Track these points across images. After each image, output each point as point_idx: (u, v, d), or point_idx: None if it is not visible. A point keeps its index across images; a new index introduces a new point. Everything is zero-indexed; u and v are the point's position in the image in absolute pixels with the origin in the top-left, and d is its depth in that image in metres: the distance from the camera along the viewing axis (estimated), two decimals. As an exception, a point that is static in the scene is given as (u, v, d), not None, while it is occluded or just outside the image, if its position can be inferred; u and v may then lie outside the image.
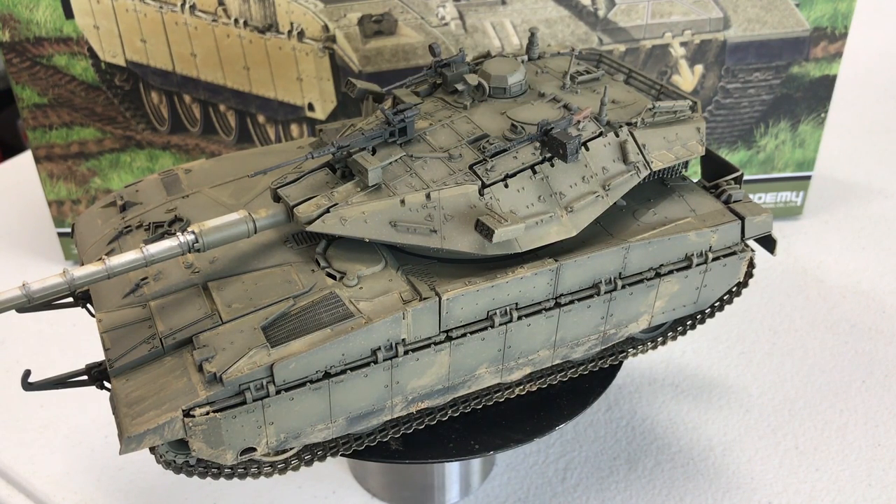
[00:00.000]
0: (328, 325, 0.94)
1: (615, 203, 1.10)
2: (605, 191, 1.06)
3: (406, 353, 0.99)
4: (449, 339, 1.01)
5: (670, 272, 1.11)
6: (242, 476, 1.02)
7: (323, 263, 1.01)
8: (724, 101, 1.68)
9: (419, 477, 1.28)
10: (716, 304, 1.22)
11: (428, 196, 0.99)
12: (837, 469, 1.35)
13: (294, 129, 1.66)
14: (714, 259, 1.13)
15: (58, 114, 1.64)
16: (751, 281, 1.21)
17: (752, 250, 1.17)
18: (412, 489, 1.30)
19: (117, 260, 0.94)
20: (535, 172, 1.03)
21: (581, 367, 1.18)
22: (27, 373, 1.03)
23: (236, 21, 1.55)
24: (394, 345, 0.97)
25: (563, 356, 1.11)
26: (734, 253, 1.14)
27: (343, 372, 0.96)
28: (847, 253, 1.79)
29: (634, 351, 1.22)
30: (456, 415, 1.12)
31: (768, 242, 1.19)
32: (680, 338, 1.25)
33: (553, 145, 1.01)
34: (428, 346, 1.00)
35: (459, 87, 1.12)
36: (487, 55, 1.21)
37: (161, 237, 1.02)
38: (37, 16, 1.54)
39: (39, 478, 1.35)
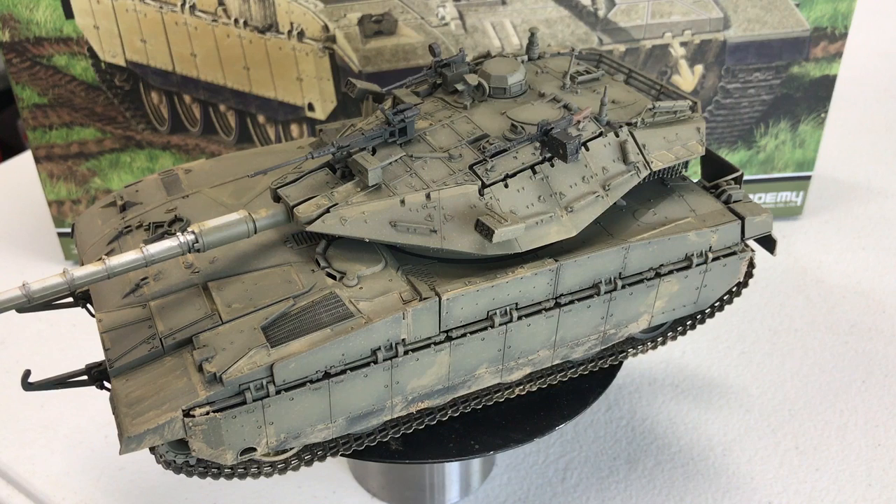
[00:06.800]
0: (328, 325, 0.94)
1: (615, 203, 1.10)
2: (605, 191, 1.07)
3: (406, 353, 0.99)
4: (449, 339, 1.01)
5: (670, 272, 1.11)
6: (242, 476, 1.02)
7: (323, 263, 1.01)
8: (724, 101, 1.68)
9: (419, 477, 1.28)
10: (716, 304, 1.22)
11: (428, 196, 0.99)
12: (837, 469, 1.35)
13: (294, 129, 1.66)
14: (714, 259, 1.13)
15: (58, 114, 1.64)
16: (751, 281, 1.21)
17: (752, 250, 1.17)
18: (412, 489, 1.30)
19: (117, 260, 0.94)
20: (535, 172, 1.03)
21: (581, 367, 1.18)
22: (27, 373, 1.03)
23: (236, 21, 1.55)
24: (394, 345, 0.97)
25: (563, 356, 1.11)
26: (734, 253, 1.15)
27: (343, 372, 0.96)
28: (847, 253, 1.79)
29: (634, 351, 1.22)
30: (456, 415, 1.12)
31: (768, 242, 1.19)
32: (680, 338, 1.25)
33: (553, 145, 1.01)
34: (428, 346, 1.00)
35: (459, 87, 1.12)
36: (487, 55, 1.21)
37: (161, 237, 1.02)
38: (37, 16, 1.54)
39: (39, 478, 1.35)
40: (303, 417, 0.97)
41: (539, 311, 1.05)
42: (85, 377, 1.08)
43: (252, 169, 1.07)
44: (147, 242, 0.96)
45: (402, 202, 0.98)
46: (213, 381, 0.90)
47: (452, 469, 1.27)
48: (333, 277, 1.00)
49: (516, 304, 1.03)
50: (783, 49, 1.63)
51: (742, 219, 1.13)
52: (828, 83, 1.68)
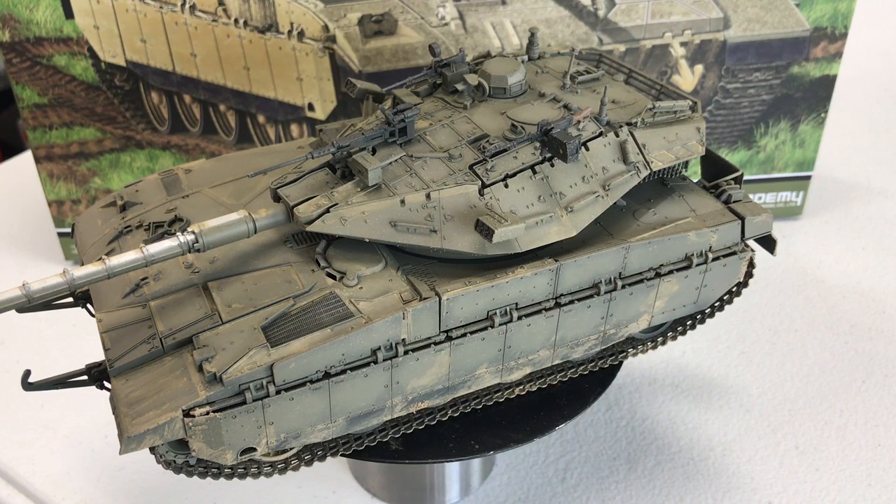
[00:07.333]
0: (328, 325, 0.94)
1: (615, 203, 1.10)
2: (605, 191, 1.07)
3: (406, 353, 0.99)
4: (449, 339, 1.01)
5: (670, 272, 1.11)
6: (242, 476, 1.02)
7: (323, 263, 1.01)
8: (724, 101, 1.68)
9: (419, 477, 1.28)
10: (716, 304, 1.22)
11: (428, 196, 0.99)
12: (837, 469, 1.35)
13: (294, 129, 1.66)
14: (714, 259, 1.13)
15: (58, 114, 1.64)
16: (751, 281, 1.21)
17: (752, 250, 1.17)
18: (412, 489, 1.30)
19: (117, 260, 0.94)
20: (535, 172, 1.03)
21: (581, 367, 1.18)
22: (27, 373, 1.03)
23: (236, 21, 1.55)
24: (394, 345, 0.97)
25: (563, 356, 1.11)
26: (734, 253, 1.14)
27: (343, 372, 0.96)
28: (847, 253, 1.79)
29: (634, 351, 1.22)
30: (456, 415, 1.12)
31: (768, 242, 1.19)
32: (680, 338, 1.25)
33: (553, 145, 1.01)
34: (428, 346, 1.00)
35: (459, 87, 1.12)
36: (487, 55, 1.21)
37: (161, 237, 1.02)
38: (37, 16, 1.54)
39: (39, 478, 1.35)
40: (303, 417, 0.97)
41: (539, 311, 1.05)
42: (85, 377, 1.08)
43: (252, 169, 1.07)
44: (147, 242, 0.96)
45: (402, 202, 0.98)
46: (213, 381, 0.90)
47: (452, 469, 1.27)
48: (333, 277, 1.00)
49: (516, 304, 1.03)
50: (783, 49, 1.63)
51: (742, 219, 1.13)
52: (828, 83, 1.68)
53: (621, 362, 1.22)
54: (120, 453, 0.89)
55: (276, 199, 1.01)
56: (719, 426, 1.41)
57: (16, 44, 1.57)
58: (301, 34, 1.55)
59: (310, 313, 0.95)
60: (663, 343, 1.24)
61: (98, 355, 1.09)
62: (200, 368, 0.91)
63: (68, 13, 1.54)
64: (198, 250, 0.97)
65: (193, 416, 0.90)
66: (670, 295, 1.14)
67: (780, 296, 1.67)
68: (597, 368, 1.20)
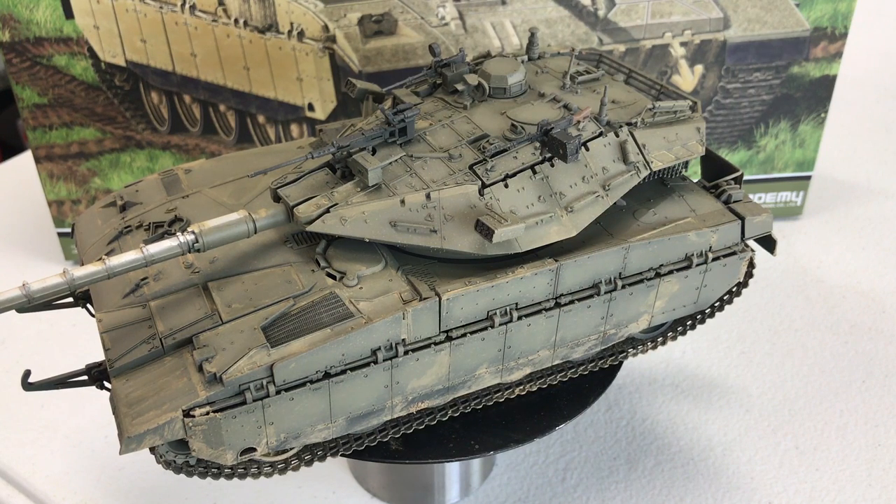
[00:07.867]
0: (328, 325, 0.94)
1: (615, 203, 1.10)
2: (605, 191, 1.07)
3: (406, 353, 0.99)
4: (449, 339, 1.01)
5: (670, 272, 1.11)
6: (242, 476, 1.02)
7: (323, 263, 1.01)
8: (724, 101, 1.68)
9: (419, 477, 1.28)
10: (716, 304, 1.22)
11: (428, 196, 0.99)
12: (837, 469, 1.35)
13: (294, 129, 1.66)
14: (714, 259, 1.13)
15: (58, 114, 1.64)
16: (751, 281, 1.21)
17: (752, 250, 1.17)
18: (412, 489, 1.30)
19: (117, 260, 0.94)
20: (535, 172, 1.03)
21: (581, 368, 1.18)
22: (27, 373, 1.03)
23: (236, 21, 1.55)
24: (394, 345, 0.97)
25: (563, 356, 1.11)
26: (734, 253, 1.15)
27: (343, 372, 0.96)
28: (847, 253, 1.79)
29: (634, 351, 1.22)
30: (456, 415, 1.12)
31: (768, 242, 1.19)
32: (680, 338, 1.25)
33: (553, 145, 1.01)
34: (428, 346, 1.00)
35: (459, 87, 1.12)
36: (487, 55, 1.21)
37: (161, 237, 1.02)
38: (37, 16, 1.54)
39: (39, 478, 1.35)
40: (303, 417, 0.97)
41: (539, 312, 1.05)
42: (85, 377, 1.08)
43: (252, 169, 1.07)
44: (147, 242, 0.96)
45: (402, 202, 0.98)
46: (213, 381, 0.90)
47: (452, 469, 1.27)
48: (333, 277, 1.00)
49: (516, 304, 1.03)
50: (783, 49, 1.63)
51: (742, 219, 1.13)
52: (828, 83, 1.68)
53: (621, 362, 1.22)
54: (120, 453, 0.89)
55: (276, 199, 1.01)
56: (719, 426, 1.41)
57: (16, 44, 1.57)
58: (301, 34, 1.55)
59: (310, 313, 0.95)
60: (663, 343, 1.24)
61: (98, 355, 1.09)
62: (200, 368, 0.91)
63: (68, 13, 1.54)
64: (198, 250, 0.97)
65: (193, 417, 0.90)
66: (670, 295, 1.14)
67: (780, 296, 1.67)
68: (597, 368, 1.20)
